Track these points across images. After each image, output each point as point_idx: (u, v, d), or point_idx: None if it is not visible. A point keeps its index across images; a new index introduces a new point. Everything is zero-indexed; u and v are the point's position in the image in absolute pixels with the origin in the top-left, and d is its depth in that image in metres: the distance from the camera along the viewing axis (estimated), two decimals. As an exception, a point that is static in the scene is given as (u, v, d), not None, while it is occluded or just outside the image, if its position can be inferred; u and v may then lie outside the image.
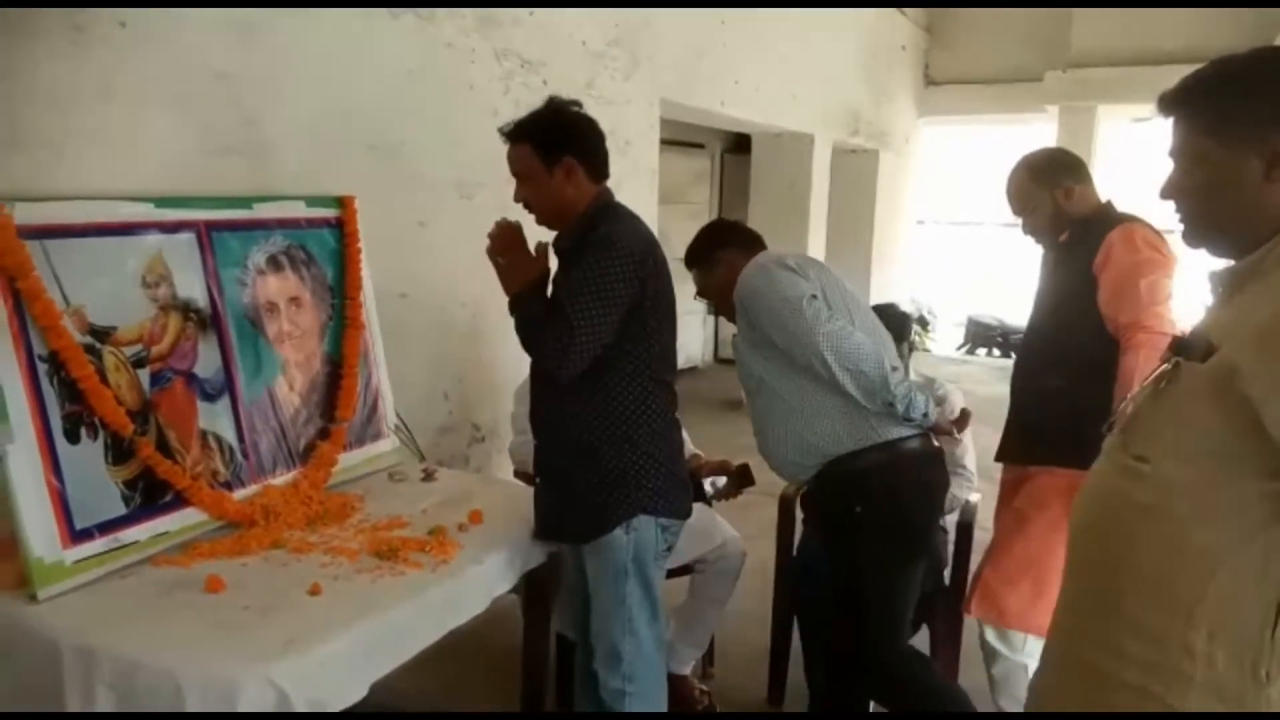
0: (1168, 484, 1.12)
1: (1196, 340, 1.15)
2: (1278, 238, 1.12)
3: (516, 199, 2.07)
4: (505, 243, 2.06)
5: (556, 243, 2.09)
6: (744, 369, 2.33)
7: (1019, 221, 2.48)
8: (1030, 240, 2.49)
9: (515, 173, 2.07)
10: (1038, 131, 8.00)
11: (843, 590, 2.27)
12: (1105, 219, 2.34)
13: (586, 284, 1.92)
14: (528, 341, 2.00)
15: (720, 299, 2.42)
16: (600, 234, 1.98)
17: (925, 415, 2.16)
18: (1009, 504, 2.45)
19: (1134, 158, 8.89)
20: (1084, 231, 2.34)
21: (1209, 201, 1.19)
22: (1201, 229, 1.21)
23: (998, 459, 2.51)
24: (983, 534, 2.73)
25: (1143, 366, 2.11)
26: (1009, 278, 8.98)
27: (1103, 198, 2.42)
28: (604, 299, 1.92)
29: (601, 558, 2.05)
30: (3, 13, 1.74)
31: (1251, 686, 1.07)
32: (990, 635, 2.45)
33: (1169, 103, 1.22)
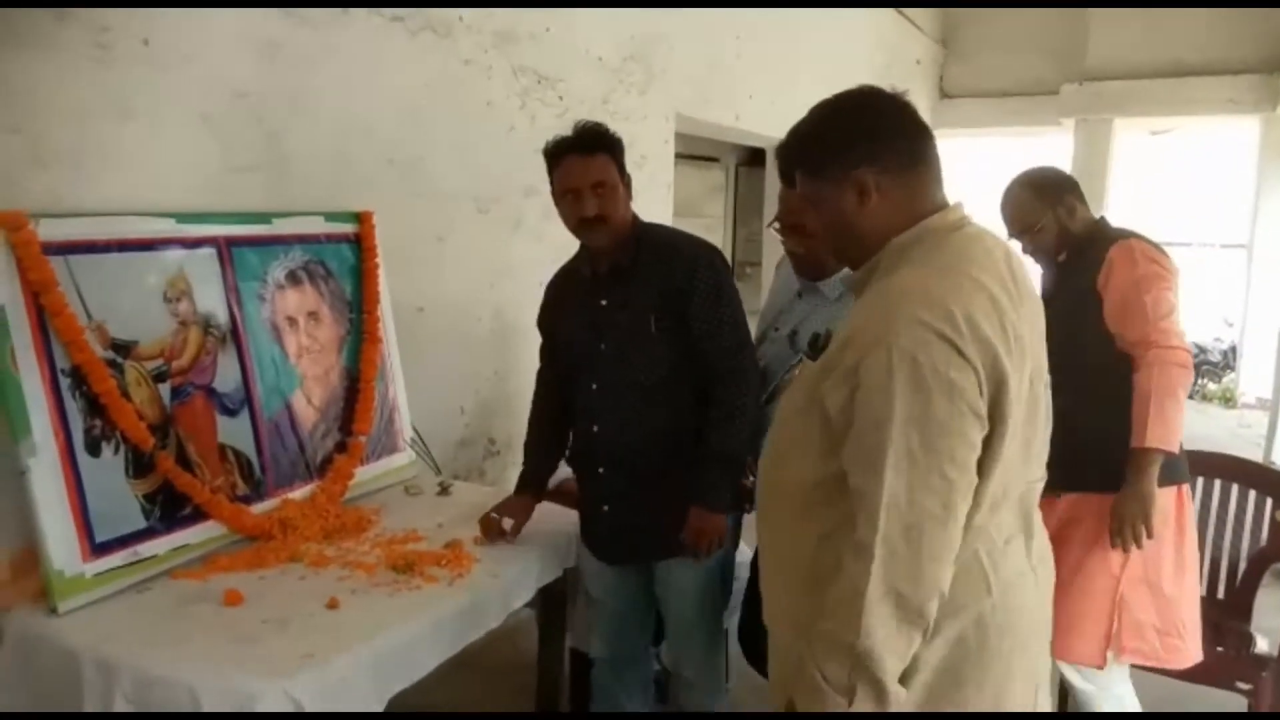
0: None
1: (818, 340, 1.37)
2: (881, 252, 1.35)
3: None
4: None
5: (611, 261, 2.09)
6: None
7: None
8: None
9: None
10: (1053, 144, 7.98)
11: None
12: (1102, 236, 2.32)
13: (722, 301, 2.06)
14: (740, 411, 2.06)
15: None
16: (688, 253, 2.09)
17: None
18: None
19: (1151, 170, 8.86)
20: (1082, 250, 2.32)
21: (833, 229, 1.40)
22: (836, 251, 1.44)
23: None
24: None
25: (1158, 382, 2.11)
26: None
27: (1096, 214, 2.40)
28: (739, 306, 2.09)
29: (697, 570, 2.11)
30: (27, 31, 1.77)
31: None
32: (1067, 670, 2.36)
33: (786, 160, 1.46)
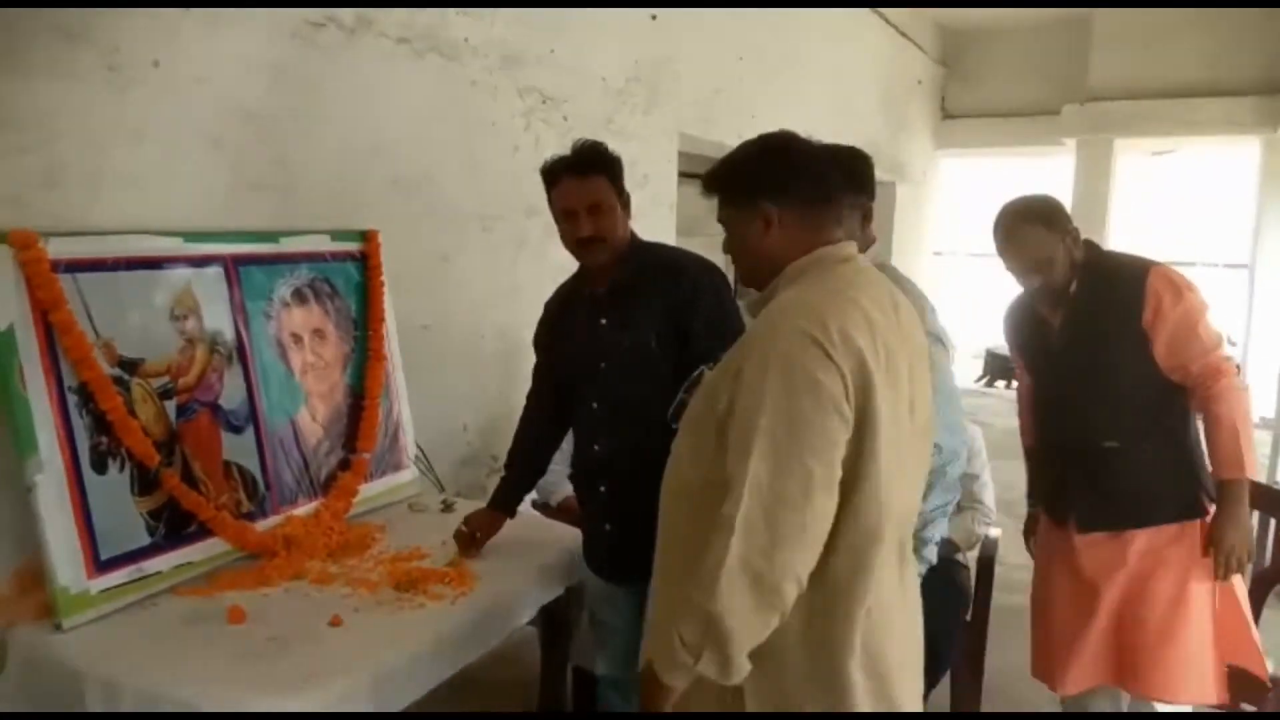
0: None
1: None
2: (779, 276, 1.51)
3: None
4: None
5: (611, 280, 2.10)
6: None
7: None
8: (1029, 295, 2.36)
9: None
10: (1055, 164, 8.01)
11: None
12: (1116, 264, 2.28)
13: (725, 319, 2.06)
14: None
15: None
16: (691, 271, 2.09)
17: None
18: (1110, 574, 2.27)
19: (1152, 191, 8.89)
20: (1093, 279, 2.25)
21: (740, 251, 1.57)
22: (746, 273, 1.59)
23: (1086, 529, 2.30)
24: (1001, 569, 2.72)
25: (1240, 411, 2.16)
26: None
27: (1095, 236, 2.38)
28: (742, 324, 2.05)
29: None
30: (41, 56, 1.79)
31: None
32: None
33: (707, 186, 1.60)
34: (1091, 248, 2.31)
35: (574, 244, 2.08)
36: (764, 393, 1.33)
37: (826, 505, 1.33)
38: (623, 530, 2.10)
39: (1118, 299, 2.22)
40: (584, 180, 2.04)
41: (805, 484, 1.31)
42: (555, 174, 2.07)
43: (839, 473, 1.33)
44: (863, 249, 2.11)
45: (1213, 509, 2.21)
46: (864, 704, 1.41)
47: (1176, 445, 2.25)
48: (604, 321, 2.10)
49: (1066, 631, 2.35)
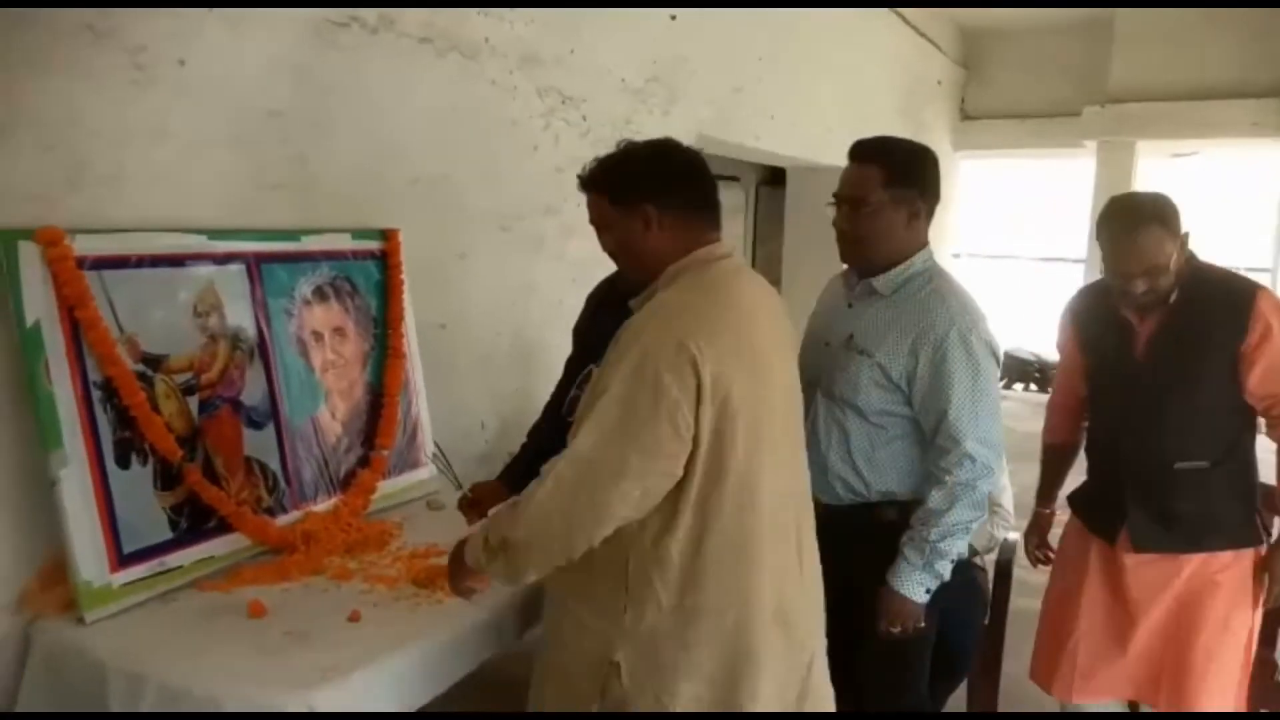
0: None
1: None
2: (663, 275, 1.62)
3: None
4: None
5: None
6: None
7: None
8: (1117, 304, 2.19)
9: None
10: (1076, 166, 7.96)
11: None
12: (1223, 279, 2.16)
13: None
14: None
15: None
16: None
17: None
18: (1157, 594, 2.23)
19: (1174, 193, 8.81)
20: (1199, 291, 2.11)
21: (622, 249, 1.69)
22: (627, 271, 1.72)
23: (1142, 549, 2.22)
24: (1019, 572, 2.70)
25: None
26: (1044, 312, 8.90)
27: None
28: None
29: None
30: (68, 55, 1.81)
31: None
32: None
33: (585, 183, 1.71)
34: (1191, 258, 2.15)
35: None
36: (615, 377, 1.48)
37: (631, 493, 1.48)
38: None
39: (1221, 317, 2.10)
40: (589, 198, 1.98)
41: (619, 470, 1.47)
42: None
43: (658, 469, 1.49)
44: (907, 251, 2.10)
45: (1267, 537, 2.21)
46: (742, 674, 1.57)
47: (1244, 471, 2.21)
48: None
49: (1093, 644, 2.31)
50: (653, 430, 1.46)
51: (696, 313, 1.53)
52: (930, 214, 2.13)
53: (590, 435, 1.48)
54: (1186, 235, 2.11)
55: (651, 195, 1.61)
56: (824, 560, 1.81)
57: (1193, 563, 2.19)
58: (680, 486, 1.51)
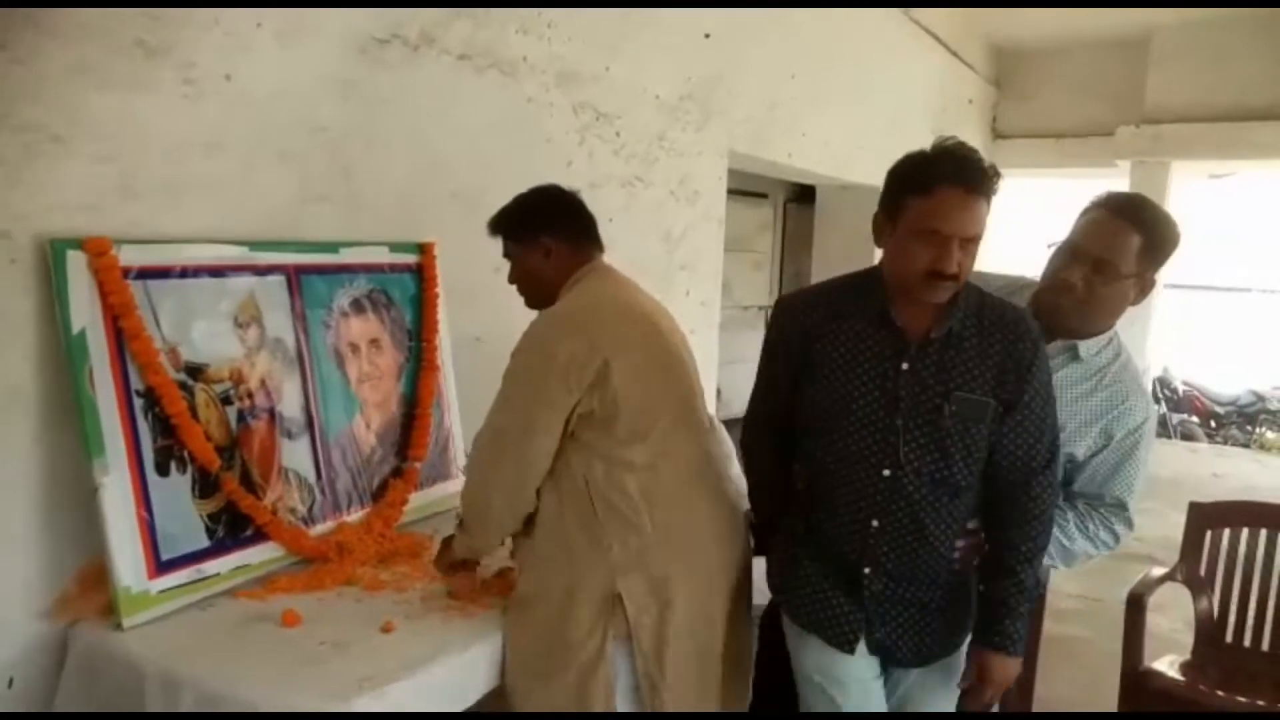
0: None
1: None
2: (560, 295, 1.96)
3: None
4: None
5: None
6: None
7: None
8: None
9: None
10: (1109, 186, 7.88)
11: None
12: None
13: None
14: None
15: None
16: None
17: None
18: None
19: (1210, 214, 8.71)
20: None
21: (527, 278, 2.05)
22: (531, 296, 2.07)
23: None
24: (1051, 597, 2.66)
25: None
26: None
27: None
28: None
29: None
30: (122, 70, 1.85)
31: None
32: None
33: (496, 227, 2.08)
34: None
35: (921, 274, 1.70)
36: (513, 362, 1.85)
37: (545, 445, 1.79)
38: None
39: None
40: (972, 200, 1.66)
41: (529, 426, 1.79)
42: (932, 179, 1.66)
43: (560, 421, 1.78)
44: (1092, 330, 1.94)
45: None
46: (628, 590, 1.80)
47: None
48: None
49: None
50: (545, 388, 1.77)
51: (583, 304, 1.89)
52: None
53: (497, 407, 1.85)
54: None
55: (547, 228, 1.98)
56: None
57: None
58: (607, 430, 1.80)
